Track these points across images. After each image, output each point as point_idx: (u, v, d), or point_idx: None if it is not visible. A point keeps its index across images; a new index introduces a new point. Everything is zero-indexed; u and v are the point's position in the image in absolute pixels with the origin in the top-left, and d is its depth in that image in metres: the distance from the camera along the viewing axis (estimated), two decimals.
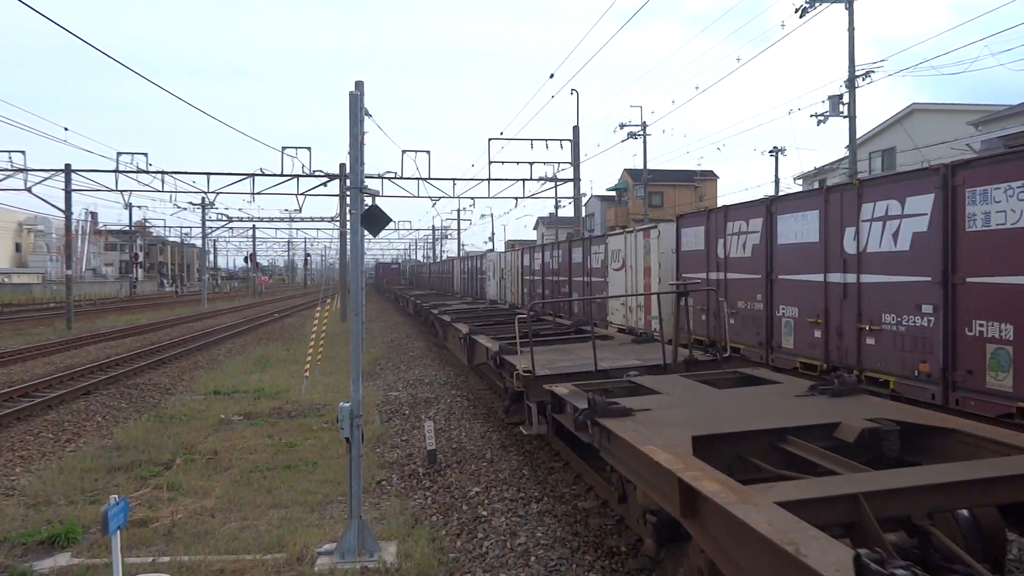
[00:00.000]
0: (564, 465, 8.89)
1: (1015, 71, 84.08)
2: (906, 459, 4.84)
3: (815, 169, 38.49)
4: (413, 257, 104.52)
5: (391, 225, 8.63)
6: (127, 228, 67.26)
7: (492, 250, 53.23)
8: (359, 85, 6.56)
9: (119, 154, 30.08)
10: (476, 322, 15.38)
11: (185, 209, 57.50)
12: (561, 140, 29.72)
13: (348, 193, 8.70)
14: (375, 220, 6.65)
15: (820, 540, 3.08)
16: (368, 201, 6.66)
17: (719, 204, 18.92)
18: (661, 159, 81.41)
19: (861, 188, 9.28)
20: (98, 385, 15.59)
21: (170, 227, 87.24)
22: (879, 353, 8.81)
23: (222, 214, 59.58)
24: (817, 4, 23.30)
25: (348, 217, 18.40)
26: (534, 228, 74.69)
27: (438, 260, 73.24)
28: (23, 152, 30.38)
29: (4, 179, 30.12)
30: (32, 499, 7.96)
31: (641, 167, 39.99)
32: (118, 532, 4.77)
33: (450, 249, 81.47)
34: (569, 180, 30.55)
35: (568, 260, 21.69)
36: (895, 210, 8.59)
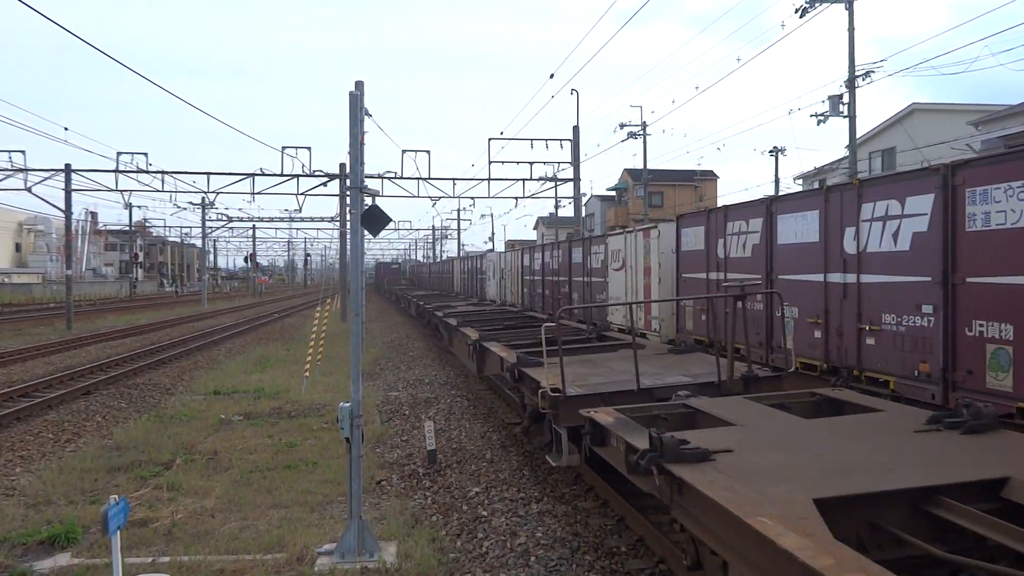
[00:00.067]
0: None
1: (1015, 71, 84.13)
2: None
3: (815, 169, 38.48)
4: (413, 257, 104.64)
5: (391, 225, 8.63)
6: (127, 228, 67.26)
7: (492, 250, 53.24)
8: (359, 85, 6.56)
9: (119, 154, 30.12)
10: (485, 327, 14.34)
11: (185, 209, 57.52)
12: (561, 140, 29.73)
13: (348, 193, 8.69)
14: (375, 220, 6.65)
15: None
16: (368, 201, 6.66)
17: (719, 204, 18.92)
18: (661, 159, 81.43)
19: (861, 188, 9.28)
20: (98, 385, 15.59)
21: (170, 227, 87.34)
22: (879, 353, 8.81)
23: (222, 214, 59.62)
24: (817, 4, 23.29)
25: (348, 217, 18.39)
26: (534, 228, 74.69)
27: (438, 260, 73.28)
28: (23, 152, 30.43)
29: (4, 179, 30.15)
30: (32, 499, 7.96)
31: (641, 167, 39.98)
32: (118, 532, 4.77)
33: (450, 249, 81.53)
34: (569, 180, 30.55)
35: (568, 260, 21.69)
36: (895, 210, 8.59)
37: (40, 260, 78.46)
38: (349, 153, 6.56)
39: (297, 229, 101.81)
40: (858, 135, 25.47)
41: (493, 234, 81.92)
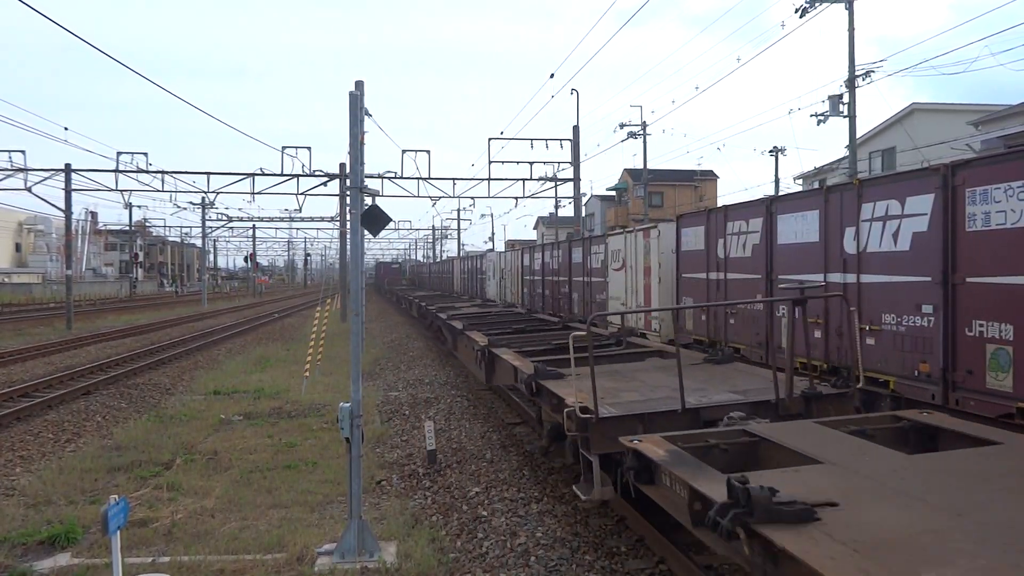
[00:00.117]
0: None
1: (1015, 71, 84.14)
2: None
3: (815, 169, 38.50)
4: (413, 257, 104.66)
5: (391, 225, 8.62)
6: (127, 228, 67.28)
7: (492, 250, 53.25)
8: (359, 85, 6.56)
9: (119, 154, 30.13)
10: (493, 331, 13.33)
11: (185, 209, 57.59)
12: (561, 140, 29.73)
13: (348, 193, 8.69)
14: (375, 220, 6.65)
15: None
16: (368, 201, 6.66)
17: (719, 204, 18.92)
18: (661, 159, 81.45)
19: (861, 188, 9.28)
20: (98, 385, 15.59)
21: (170, 227, 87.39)
22: (879, 353, 8.80)
23: (222, 214, 59.65)
24: (817, 4, 23.30)
25: (348, 217, 18.39)
26: (534, 228, 74.69)
27: (438, 260, 73.29)
28: (23, 152, 30.43)
29: (4, 179, 30.15)
30: (32, 499, 7.96)
31: (641, 167, 39.98)
32: (118, 532, 4.77)
33: (450, 249, 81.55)
34: (569, 180, 30.55)
35: (568, 260, 21.69)
36: (895, 210, 8.59)
37: (40, 260, 78.47)
38: (349, 153, 6.56)
39: (297, 229, 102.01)
40: (858, 135, 25.47)
41: (493, 234, 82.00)
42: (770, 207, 11.25)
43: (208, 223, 57.37)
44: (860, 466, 4.15)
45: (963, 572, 2.79)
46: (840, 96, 24.43)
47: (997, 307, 7.16)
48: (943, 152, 22.58)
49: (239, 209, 70.03)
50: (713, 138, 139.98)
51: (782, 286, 6.89)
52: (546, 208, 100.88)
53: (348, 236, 10.00)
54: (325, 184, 31.69)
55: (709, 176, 52.94)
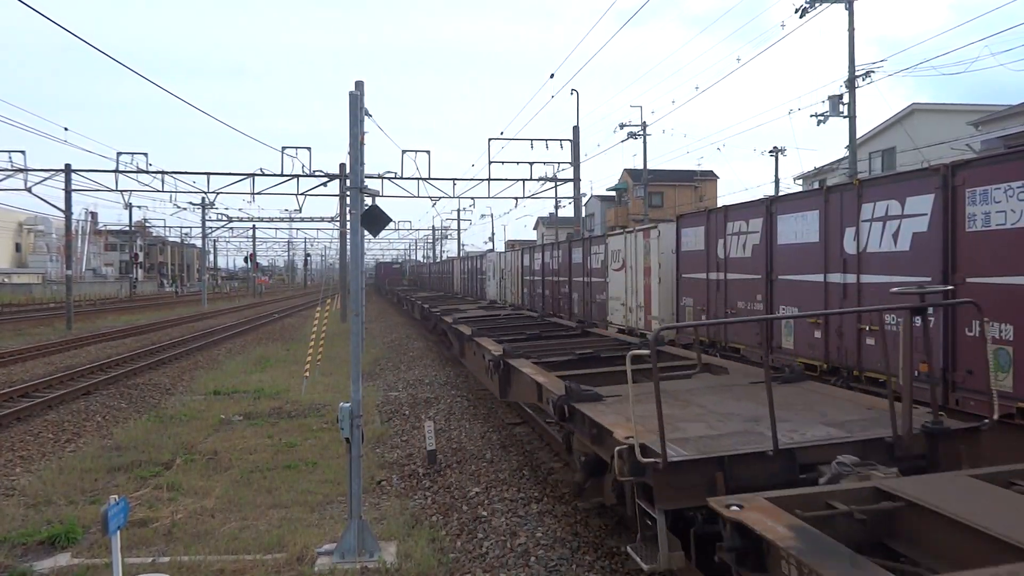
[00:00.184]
0: (564, 466, 7.04)
1: (1015, 71, 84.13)
2: None
3: (815, 169, 38.50)
4: (413, 257, 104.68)
5: (391, 225, 8.61)
6: (127, 228, 67.27)
7: (492, 250, 53.25)
8: (359, 85, 6.56)
9: (119, 154, 30.13)
10: (506, 337, 11.92)
11: (185, 209, 57.63)
12: (561, 140, 29.75)
13: (348, 193, 8.67)
14: (375, 220, 6.65)
15: None
16: (368, 201, 6.66)
17: (719, 204, 18.91)
18: (661, 159, 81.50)
19: (861, 188, 9.28)
20: (98, 385, 15.59)
21: (170, 227, 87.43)
22: (879, 353, 8.80)
23: (222, 214, 59.64)
24: (817, 4, 23.31)
25: (348, 217, 18.39)
26: (534, 228, 74.69)
27: (438, 260, 73.29)
28: (23, 152, 30.44)
29: (4, 179, 30.15)
30: (32, 499, 7.96)
31: (641, 167, 39.99)
32: (118, 532, 4.77)
33: (450, 249, 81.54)
34: (569, 180, 30.56)
35: (568, 260, 21.70)
36: (895, 210, 8.59)
37: (40, 260, 78.47)
38: (349, 153, 6.56)
39: (297, 229, 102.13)
40: (858, 135, 25.48)
41: (493, 234, 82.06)
42: (770, 207, 11.26)
43: (208, 223, 57.38)
44: None
45: None
46: (840, 96, 24.44)
47: (997, 307, 7.16)
48: (943, 152, 22.58)
49: (239, 209, 70.08)
50: (713, 138, 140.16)
51: (894, 290, 5.39)
52: (546, 208, 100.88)
53: (348, 236, 9.99)
54: (325, 184, 31.72)
55: (709, 176, 52.93)
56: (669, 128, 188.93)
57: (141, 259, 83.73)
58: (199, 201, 51.18)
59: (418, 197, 31.52)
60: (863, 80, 23.74)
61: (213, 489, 8.13)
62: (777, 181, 41.69)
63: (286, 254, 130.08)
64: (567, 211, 50.04)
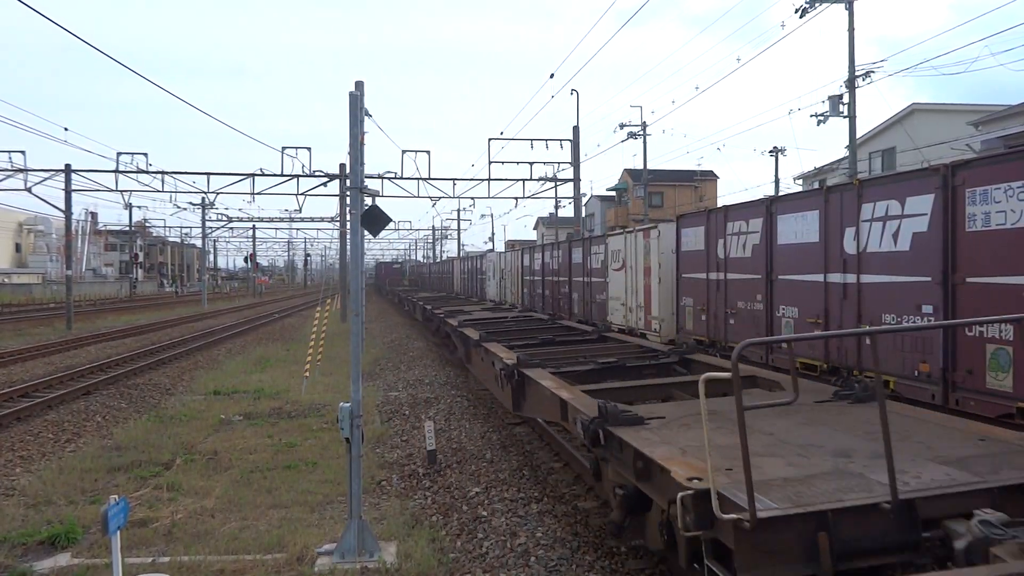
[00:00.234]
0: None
1: (1015, 71, 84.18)
2: None
3: (815, 169, 38.51)
4: (413, 257, 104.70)
5: (391, 225, 8.61)
6: (127, 228, 67.29)
7: (492, 250, 53.25)
8: (359, 85, 6.56)
9: (119, 154, 30.14)
10: (516, 343, 11.13)
11: (185, 209, 57.57)
12: (561, 140, 29.75)
13: (348, 193, 8.66)
14: (375, 220, 6.65)
15: None
16: (368, 201, 6.66)
17: (719, 204, 18.90)
18: (661, 159, 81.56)
19: (861, 188, 9.28)
20: (98, 385, 15.59)
21: (170, 227, 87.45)
22: (879, 353, 8.80)
23: (222, 214, 59.67)
24: (817, 4, 23.31)
25: (348, 217, 18.38)
26: (534, 228, 74.70)
27: (438, 260, 73.30)
28: (23, 152, 30.45)
29: (4, 179, 30.16)
30: (32, 499, 7.96)
31: (641, 167, 39.99)
32: (118, 532, 4.77)
33: (450, 249, 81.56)
34: (569, 180, 30.56)
35: (568, 260, 21.70)
36: (895, 210, 8.59)
37: (40, 260, 78.47)
38: (349, 153, 6.56)
39: (297, 229, 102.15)
40: (858, 135, 25.49)
41: (493, 234, 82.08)
42: (770, 207, 11.26)
43: (208, 223, 57.38)
44: None
45: None
46: (840, 96, 24.44)
47: (997, 307, 7.16)
48: (943, 152, 22.59)
49: (239, 209, 70.08)
50: (713, 138, 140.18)
51: None
52: (546, 208, 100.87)
53: (348, 236, 9.99)
54: (325, 184, 31.73)
55: (709, 176, 52.93)
56: (669, 128, 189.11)
57: (141, 259, 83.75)
58: (199, 201, 51.22)
59: (418, 197, 31.54)
60: (863, 80, 23.77)
61: (213, 489, 8.13)
62: (777, 181, 41.72)
63: (286, 254, 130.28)
64: (567, 211, 50.08)
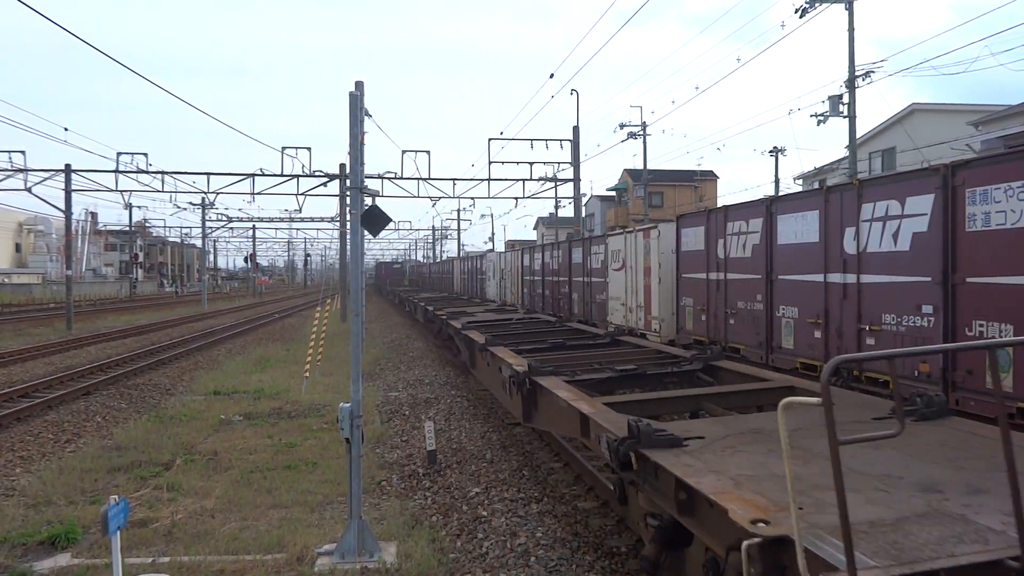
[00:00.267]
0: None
1: (1015, 71, 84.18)
2: None
3: (815, 169, 38.51)
4: (413, 257, 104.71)
5: (391, 225, 8.61)
6: (127, 228, 67.29)
7: (492, 250, 53.25)
8: (359, 85, 6.56)
9: (119, 154, 30.15)
10: (524, 346, 10.51)
11: (185, 209, 57.65)
12: (561, 140, 29.76)
13: (348, 193, 8.66)
14: (375, 220, 6.65)
15: None
16: (368, 201, 6.66)
17: (719, 204, 18.90)
18: (661, 159, 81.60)
19: (861, 188, 9.28)
20: (98, 385, 15.58)
21: (170, 227, 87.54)
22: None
23: (222, 214, 59.67)
24: (817, 4, 23.32)
25: (348, 217, 18.37)
26: (534, 228, 74.71)
27: (438, 260, 73.31)
28: (23, 152, 30.46)
29: (4, 179, 30.16)
30: (32, 499, 7.96)
31: (641, 167, 40.00)
32: (118, 532, 4.77)
33: (450, 249, 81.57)
34: (569, 180, 30.56)
35: (568, 260, 21.70)
36: (895, 210, 8.59)
37: (40, 260, 78.47)
38: (349, 153, 6.56)
39: (297, 229, 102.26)
40: (858, 135, 25.49)
41: (493, 234, 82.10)
42: (770, 207, 11.26)
43: (208, 223, 57.37)
44: None
45: None
46: (840, 96, 24.45)
47: (997, 307, 7.16)
48: (943, 152, 22.59)
49: (239, 209, 70.09)
50: (713, 138, 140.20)
51: None
52: (546, 208, 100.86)
53: (348, 236, 9.99)
54: (325, 184, 31.74)
55: (709, 176, 52.94)
56: (669, 128, 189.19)
57: (141, 259, 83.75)
58: (199, 201, 51.21)
59: (418, 197, 31.55)
60: (863, 80, 23.78)
61: (213, 489, 8.13)
62: (777, 181, 41.73)
63: (286, 254, 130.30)
64: (567, 211, 50.09)
